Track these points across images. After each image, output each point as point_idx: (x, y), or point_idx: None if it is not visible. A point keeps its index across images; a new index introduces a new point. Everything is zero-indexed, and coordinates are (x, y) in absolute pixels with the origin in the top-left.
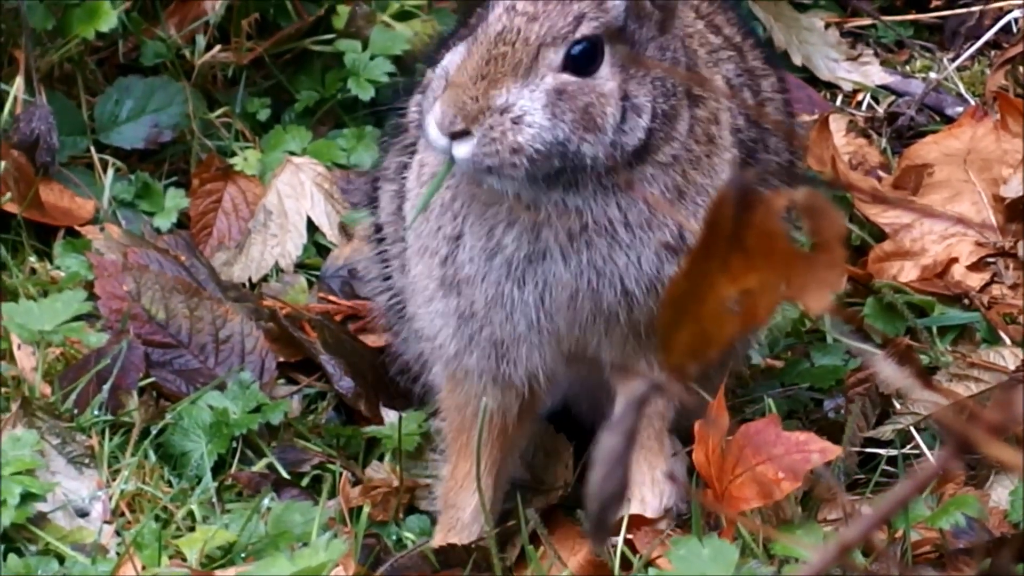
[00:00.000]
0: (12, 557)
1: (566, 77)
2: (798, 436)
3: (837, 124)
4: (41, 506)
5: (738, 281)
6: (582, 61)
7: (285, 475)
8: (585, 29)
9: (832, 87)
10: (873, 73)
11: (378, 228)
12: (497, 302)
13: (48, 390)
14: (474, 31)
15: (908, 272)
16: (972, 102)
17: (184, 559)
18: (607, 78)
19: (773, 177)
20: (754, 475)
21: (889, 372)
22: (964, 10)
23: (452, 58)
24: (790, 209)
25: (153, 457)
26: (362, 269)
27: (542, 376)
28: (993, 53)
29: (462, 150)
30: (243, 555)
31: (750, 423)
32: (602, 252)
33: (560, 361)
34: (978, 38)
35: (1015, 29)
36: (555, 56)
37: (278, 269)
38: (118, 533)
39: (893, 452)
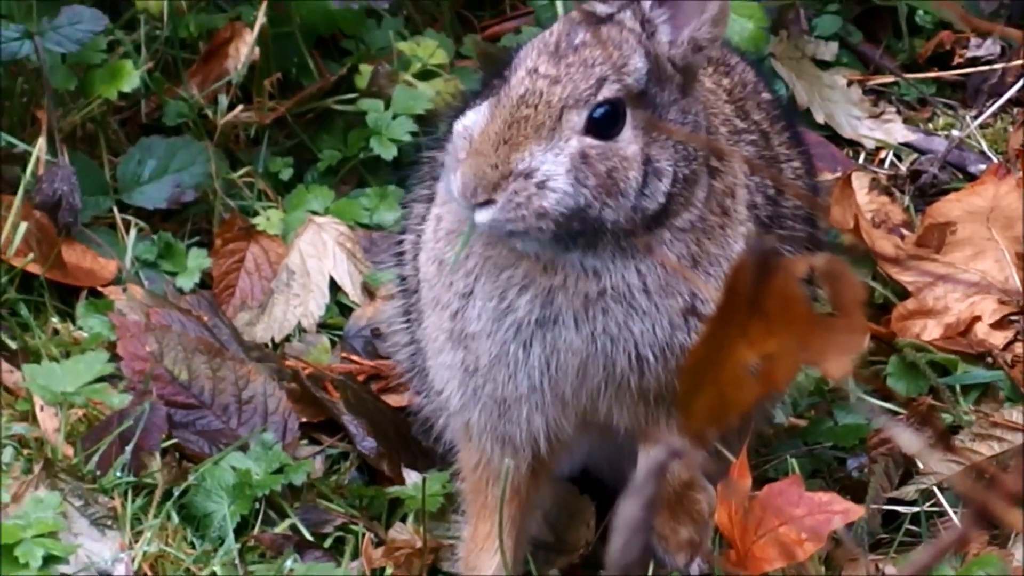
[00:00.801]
0: None
1: (589, 140)
2: (821, 496)
3: (860, 182)
4: (64, 568)
5: (757, 346)
6: (604, 124)
7: (308, 536)
8: (607, 92)
9: (855, 145)
10: (896, 131)
11: (402, 279)
12: (501, 360)
13: (71, 451)
14: (496, 92)
15: (931, 330)
16: (995, 159)
17: None
18: (629, 141)
19: (791, 247)
20: (776, 536)
21: (906, 438)
22: (986, 68)
23: (475, 118)
24: (810, 274)
25: (176, 518)
26: (385, 326)
27: (543, 438)
28: (1016, 111)
29: (483, 215)
30: None
31: (772, 483)
32: (617, 319)
33: (568, 424)
34: (1000, 95)
35: None
36: (578, 119)
37: (301, 329)
38: None
39: (916, 511)
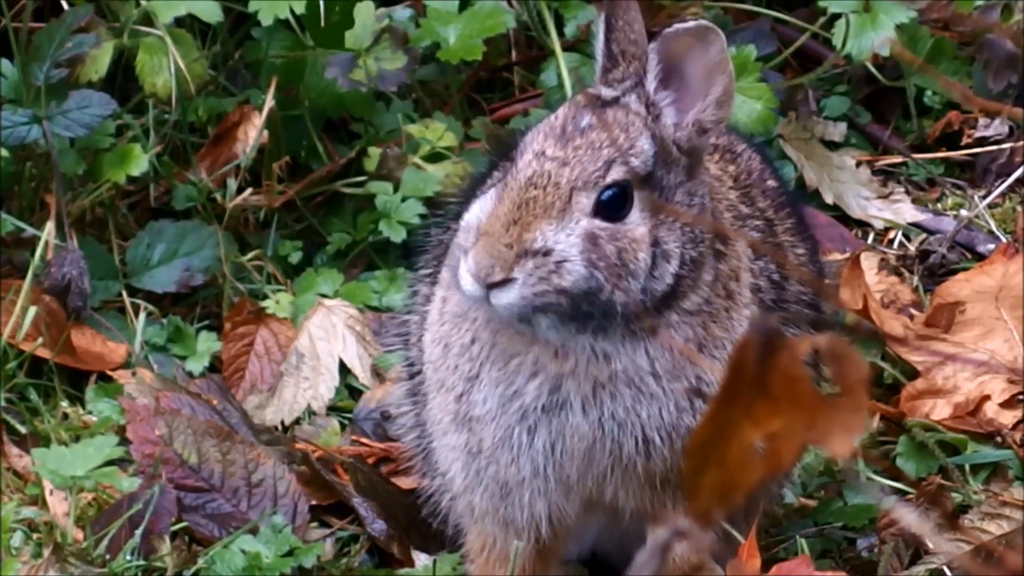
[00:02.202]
0: None
1: (598, 222)
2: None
3: (869, 262)
4: None
5: (762, 426)
6: (613, 206)
7: None
8: (615, 174)
9: (864, 225)
10: (904, 211)
11: (409, 362)
12: (505, 443)
13: (80, 535)
14: (502, 179)
15: (940, 410)
16: (1003, 239)
17: None
18: (637, 223)
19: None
20: None
21: (912, 518)
22: (995, 147)
23: (481, 207)
24: (814, 355)
25: None
26: (393, 408)
27: (546, 523)
28: None
29: (504, 297)
30: None
31: (782, 563)
32: (626, 403)
33: (571, 509)
34: (1009, 175)
35: None
36: (587, 201)
37: (310, 412)
38: None
39: None
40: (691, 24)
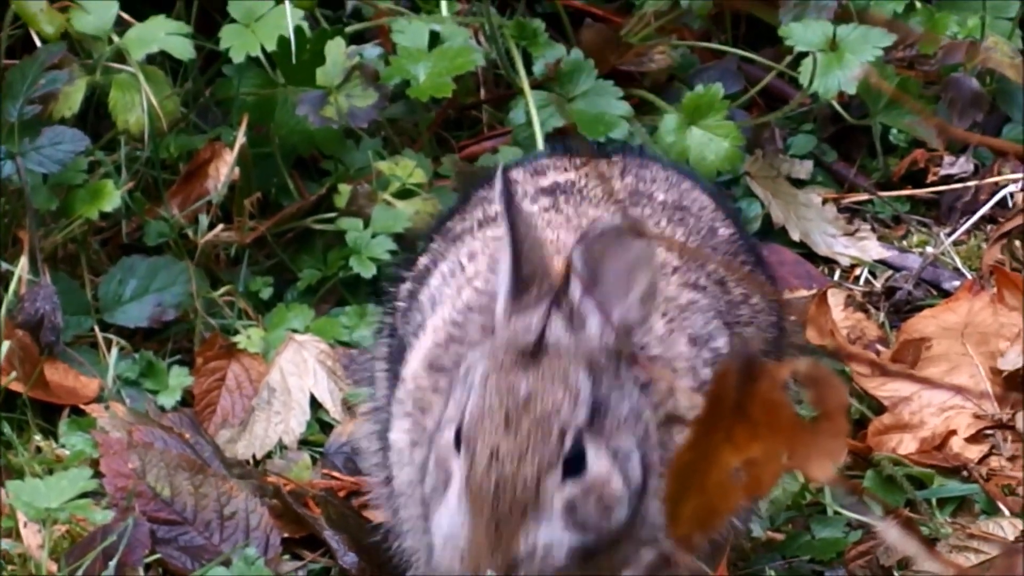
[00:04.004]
0: None
1: (569, 488)
2: None
3: (835, 299)
4: None
5: (742, 451)
6: (575, 464)
7: None
8: (570, 439)
9: (830, 262)
10: (870, 248)
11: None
12: None
13: (55, 567)
14: (463, 481)
15: (907, 445)
16: (969, 276)
17: None
18: (596, 458)
19: None
20: None
21: (894, 537)
22: (960, 185)
23: (449, 520)
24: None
25: None
26: (364, 444)
27: None
28: (989, 227)
29: None
30: None
31: None
32: None
33: None
34: (974, 212)
35: (1010, 203)
36: (554, 479)
37: (282, 446)
38: None
39: None
40: (611, 222)
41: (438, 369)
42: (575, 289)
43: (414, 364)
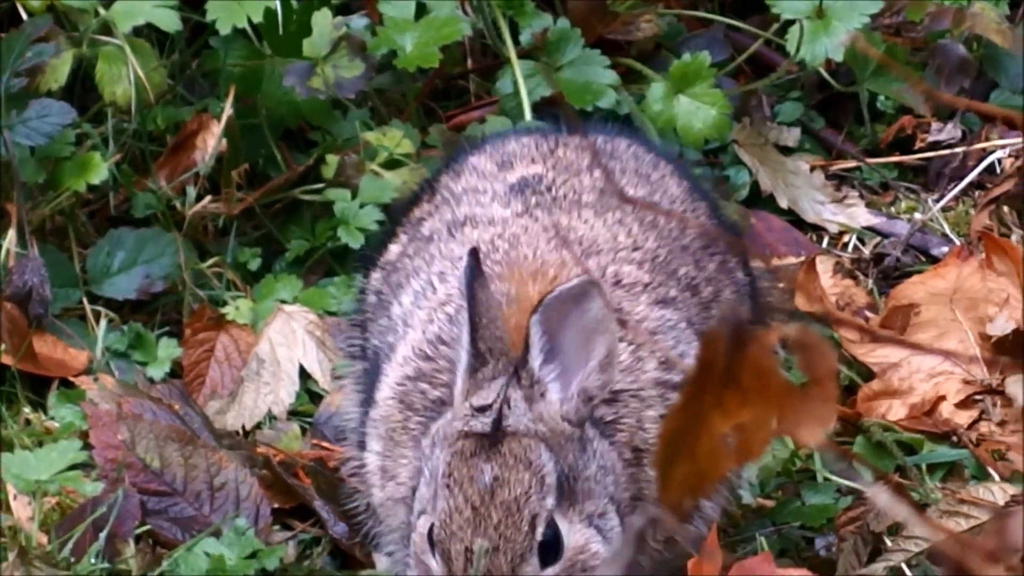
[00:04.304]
0: None
1: (550, 571)
2: (792, 572)
3: (824, 266)
4: None
5: (732, 417)
6: (553, 548)
7: None
8: (542, 524)
9: (818, 229)
10: (859, 215)
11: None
12: None
13: (45, 539)
14: None
15: (896, 411)
16: (957, 242)
17: None
18: (571, 533)
19: None
20: None
21: (885, 501)
22: (948, 152)
23: None
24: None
25: None
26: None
27: None
28: (977, 193)
29: None
30: None
31: (743, 560)
32: None
33: None
34: (962, 179)
35: (998, 170)
36: (532, 566)
37: (271, 416)
38: None
39: None
40: (571, 284)
41: (408, 406)
42: (535, 359)
43: (386, 391)
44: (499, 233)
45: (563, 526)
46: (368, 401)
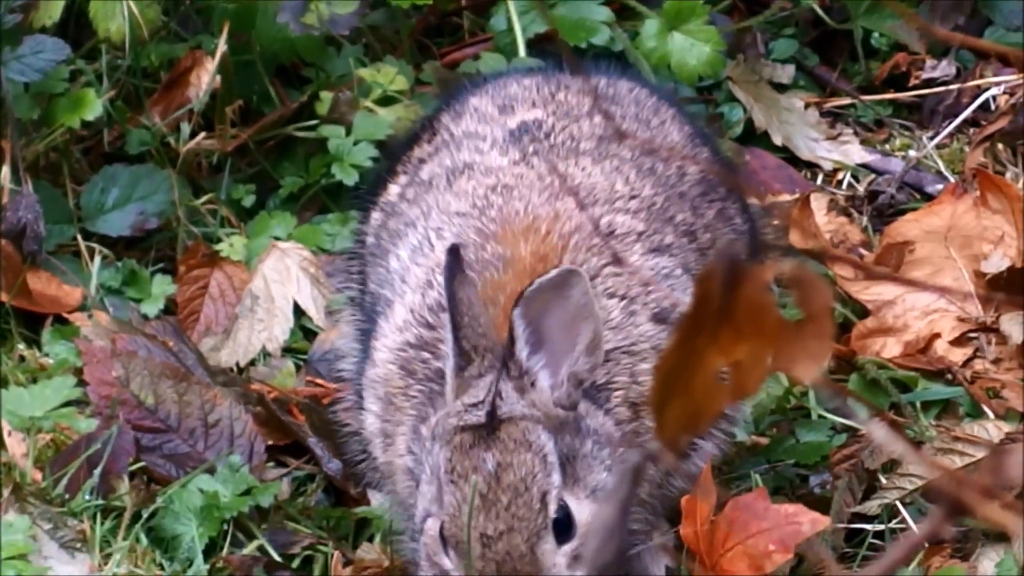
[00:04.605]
0: None
1: (565, 547)
2: (787, 508)
3: (818, 203)
4: None
5: (727, 353)
6: (566, 525)
7: (276, 557)
8: (553, 502)
9: (812, 166)
10: (853, 152)
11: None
12: None
13: (39, 476)
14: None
15: (891, 348)
16: (952, 179)
17: None
18: (579, 509)
19: None
20: (745, 548)
21: (883, 436)
22: (942, 88)
23: None
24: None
25: (144, 541)
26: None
27: None
28: (972, 131)
29: None
30: None
31: (739, 497)
32: None
33: None
34: (956, 116)
35: (993, 107)
36: (549, 543)
37: (265, 353)
38: None
39: (879, 527)
40: (551, 275)
41: (410, 373)
42: (521, 351)
43: (386, 353)
44: (493, 186)
45: (572, 504)
46: (364, 338)
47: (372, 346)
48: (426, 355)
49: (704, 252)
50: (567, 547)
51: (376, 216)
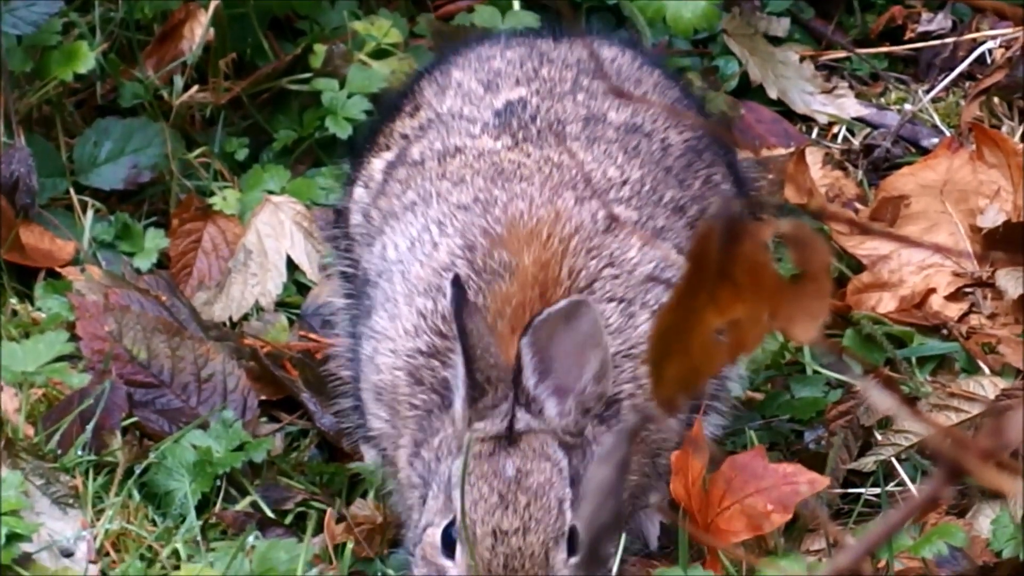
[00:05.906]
0: None
1: (573, 562)
2: (786, 468)
3: (813, 157)
4: (26, 546)
5: (725, 312)
6: (575, 540)
7: (269, 513)
8: (568, 511)
9: (808, 120)
10: (848, 106)
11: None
12: None
13: (31, 431)
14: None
15: (886, 303)
16: (947, 133)
17: None
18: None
19: None
20: (743, 507)
21: (877, 396)
22: (938, 42)
23: None
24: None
25: (137, 496)
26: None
27: None
28: (967, 84)
29: None
30: None
31: (736, 455)
32: None
33: None
34: (952, 69)
35: (989, 60)
36: (561, 552)
37: (259, 308)
38: (103, 573)
39: (875, 487)
40: (559, 305)
41: (418, 381)
42: (528, 379)
43: (393, 359)
44: (491, 176)
45: (577, 524)
46: (355, 311)
47: (374, 348)
48: (436, 363)
49: (693, 225)
50: (573, 560)
51: (360, 192)
